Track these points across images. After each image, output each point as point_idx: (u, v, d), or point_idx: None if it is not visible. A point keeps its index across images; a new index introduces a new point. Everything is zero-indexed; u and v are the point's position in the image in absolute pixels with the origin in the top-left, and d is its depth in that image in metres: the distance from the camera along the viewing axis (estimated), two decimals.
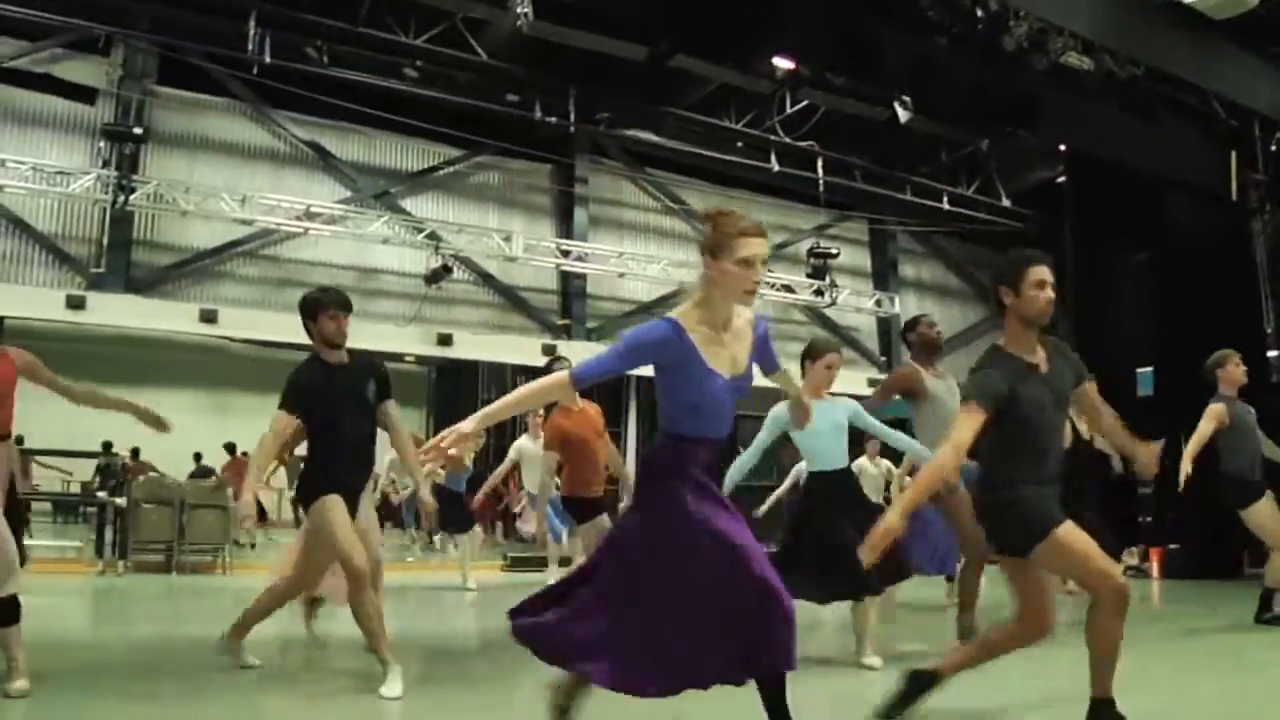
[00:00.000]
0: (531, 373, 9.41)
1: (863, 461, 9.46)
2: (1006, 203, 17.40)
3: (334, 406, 4.68)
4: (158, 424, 4.76)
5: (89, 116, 13.41)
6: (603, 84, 13.96)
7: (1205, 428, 6.60)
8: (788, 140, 15.39)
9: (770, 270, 16.56)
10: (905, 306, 18.17)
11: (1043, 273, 3.66)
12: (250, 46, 12.06)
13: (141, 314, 13.29)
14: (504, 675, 5.05)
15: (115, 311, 13.10)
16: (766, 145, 15.51)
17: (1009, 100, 11.10)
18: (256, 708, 4.33)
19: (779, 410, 5.14)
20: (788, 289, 17.06)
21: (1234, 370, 6.76)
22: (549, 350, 14.29)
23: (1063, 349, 3.84)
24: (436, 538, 13.21)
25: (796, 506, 5.95)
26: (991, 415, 3.52)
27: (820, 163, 16.08)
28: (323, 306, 4.74)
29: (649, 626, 3.05)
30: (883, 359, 18.67)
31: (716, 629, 3.01)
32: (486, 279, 16.20)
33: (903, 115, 12.76)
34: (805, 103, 14.70)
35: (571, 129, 14.69)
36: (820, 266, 16.95)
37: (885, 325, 18.73)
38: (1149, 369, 13.36)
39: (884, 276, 19.19)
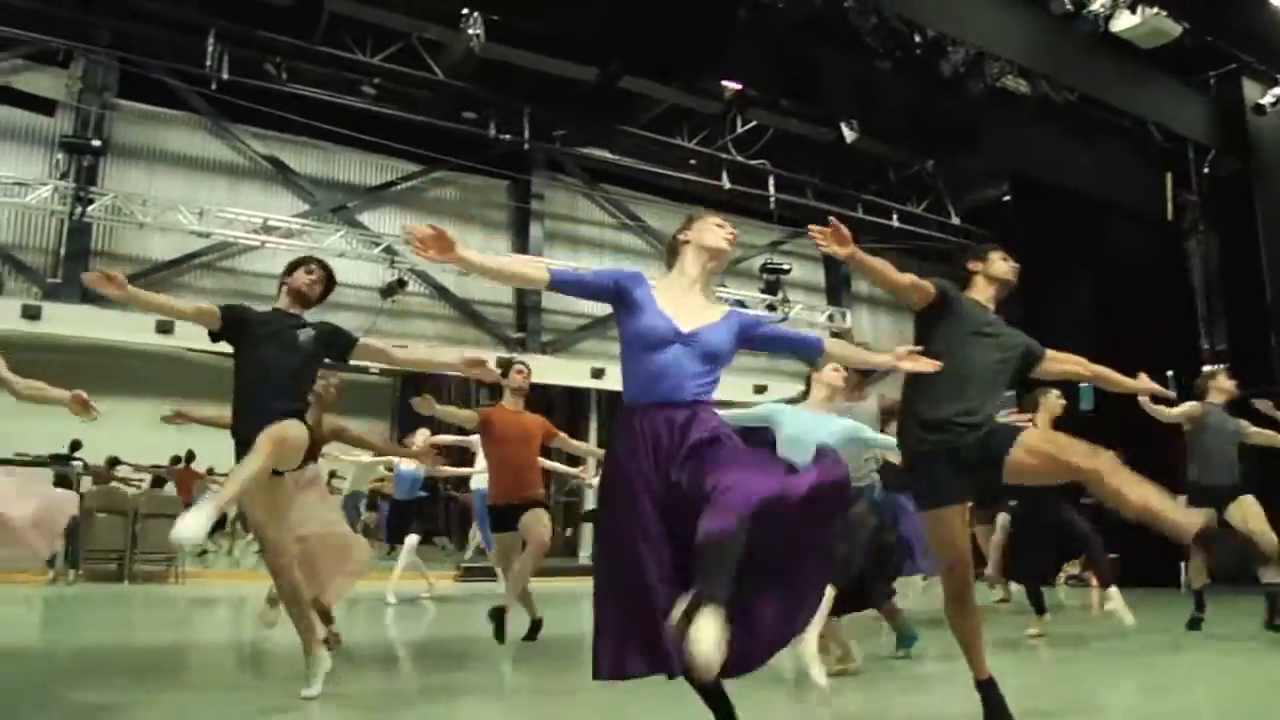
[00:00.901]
0: (491, 388, 9.60)
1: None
2: (956, 221, 17.80)
3: (261, 340, 4.52)
4: (84, 409, 4.66)
5: (48, 128, 13.46)
6: (557, 103, 14.20)
7: (1171, 412, 6.93)
8: (740, 159, 15.69)
9: (723, 285, 16.88)
10: (858, 321, 18.56)
11: (1004, 253, 4.17)
12: (209, 62, 12.20)
13: (98, 324, 13.31)
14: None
15: (72, 322, 13.12)
16: (719, 163, 15.81)
17: (948, 123, 11.46)
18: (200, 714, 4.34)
19: (774, 408, 5.26)
20: (740, 304, 17.35)
21: (1223, 382, 7.18)
22: (503, 364, 14.47)
23: (1015, 330, 4.11)
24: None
25: None
26: (935, 303, 3.86)
27: (772, 181, 16.40)
28: (303, 261, 4.77)
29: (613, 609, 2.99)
30: None
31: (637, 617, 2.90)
32: (442, 292, 16.37)
33: (849, 135, 13.10)
34: (755, 122, 15.02)
35: (526, 146, 14.93)
36: (773, 282, 17.27)
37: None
38: (1089, 384, 13.78)
39: (837, 292, 19.51)
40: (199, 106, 14.36)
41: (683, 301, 3.25)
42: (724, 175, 15.94)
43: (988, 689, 3.79)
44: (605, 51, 11.87)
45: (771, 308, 17.39)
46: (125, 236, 14.03)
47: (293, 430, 4.33)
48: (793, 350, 3.58)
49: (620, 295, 3.22)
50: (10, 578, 9.98)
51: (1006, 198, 15.70)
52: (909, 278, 3.88)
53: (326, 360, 4.78)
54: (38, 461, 14.31)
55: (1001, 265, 4.10)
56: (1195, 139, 13.50)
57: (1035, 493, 6.73)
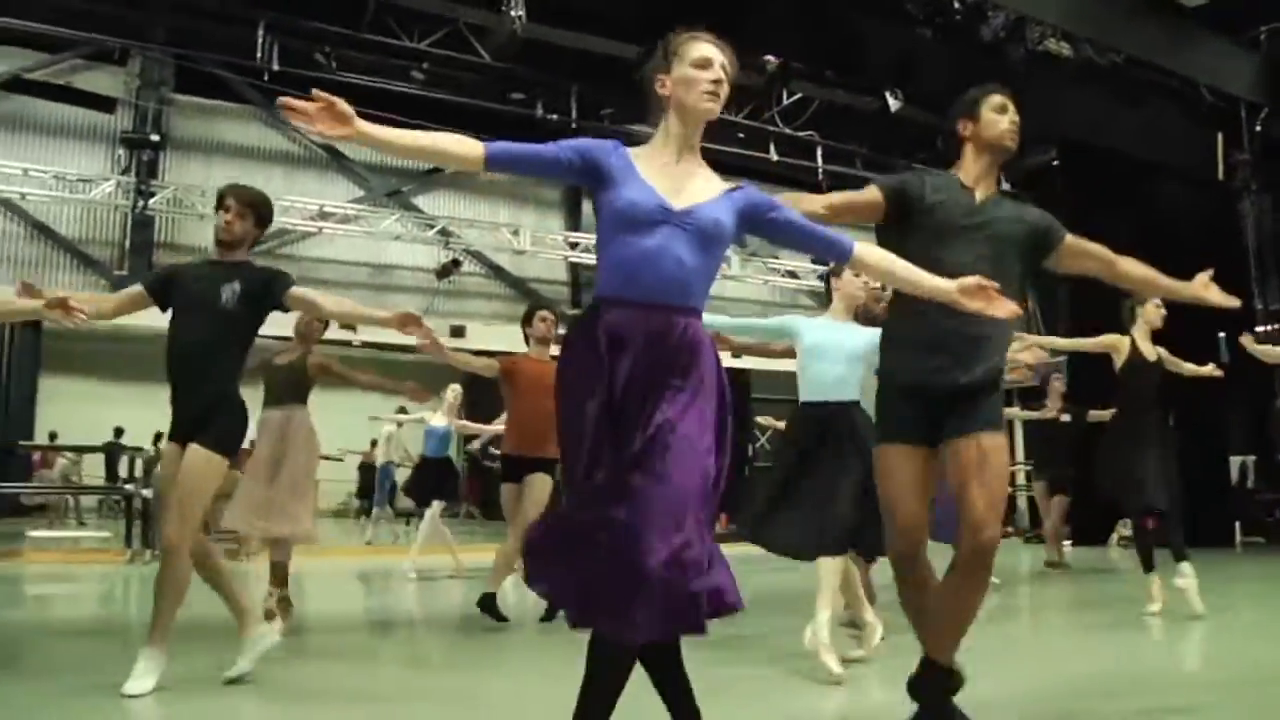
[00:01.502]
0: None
1: None
2: (1006, 186, 17.65)
3: (182, 299, 4.17)
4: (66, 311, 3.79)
5: (108, 125, 13.94)
6: (602, 81, 14.34)
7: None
8: (787, 130, 15.74)
9: (776, 257, 16.97)
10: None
11: (1002, 100, 3.22)
12: (260, 54, 12.55)
13: (164, 314, 13.71)
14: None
15: (140, 312, 13.53)
16: (766, 135, 15.87)
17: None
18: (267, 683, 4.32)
19: (792, 318, 4.73)
20: (792, 274, 17.46)
21: None
22: (559, 340, 14.76)
23: (1025, 204, 3.30)
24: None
25: (780, 445, 5.11)
26: (888, 208, 3.12)
27: (819, 151, 16.43)
28: (222, 197, 4.28)
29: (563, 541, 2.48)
30: None
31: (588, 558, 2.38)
32: (498, 271, 16.66)
33: (893, 105, 13.04)
34: (800, 94, 15.05)
35: (574, 125, 15.10)
36: None
37: None
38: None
39: None
40: (253, 98, 14.73)
41: (671, 172, 2.61)
42: (771, 147, 16.01)
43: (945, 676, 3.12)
44: (643, 28, 11.91)
45: (824, 278, 17.43)
46: (187, 227, 14.46)
47: (200, 485, 3.94)
48: (813, 248, 2.79)
49: (592, 169, 2.59)
50: (91, 558, 10.43)
51: (1055, 162, 15.54)
52: (820, 201, 3.13)
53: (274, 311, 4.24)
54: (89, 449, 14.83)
55: (997, 124, 3.17)
56: (1246, 97, 13.28)
57: (1140, 436, 6.39)
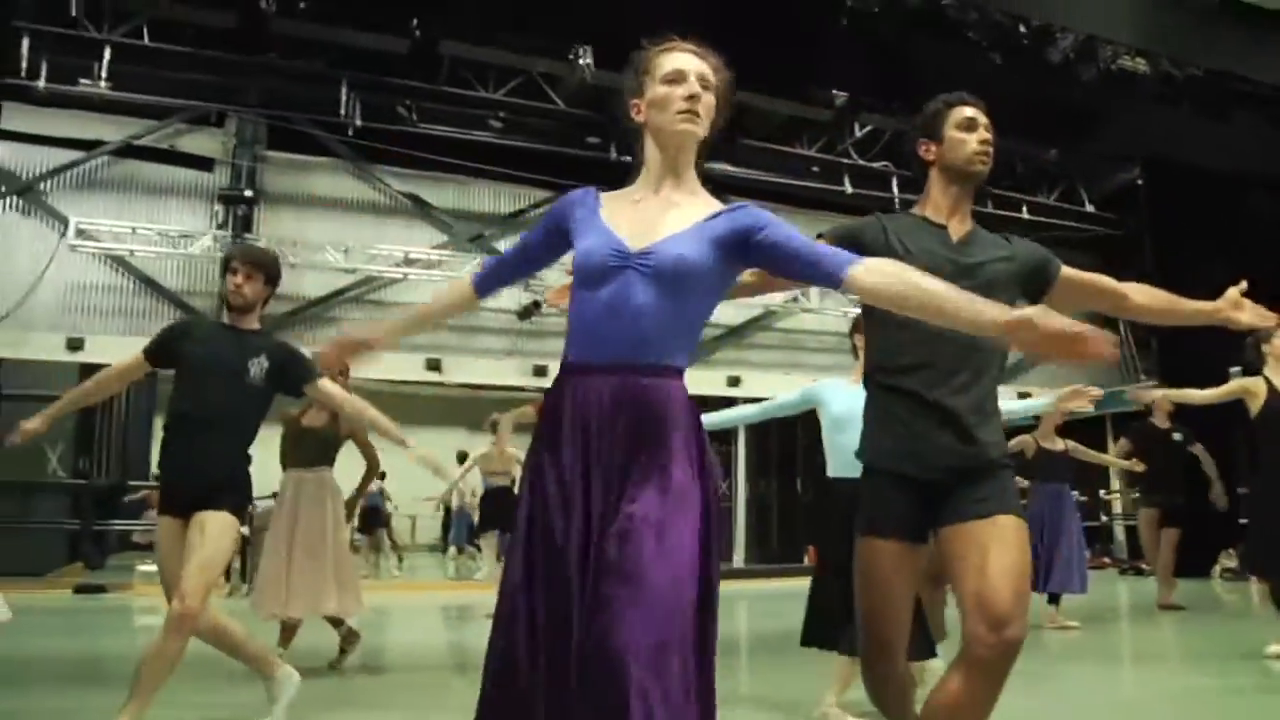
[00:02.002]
0: None
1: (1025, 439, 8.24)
2: (1090, 208, 17.37)
3: (196, 363, 3.94)
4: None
5: (207, 183, 14.63)
6: None
7: None
8: (860, 162, 15.75)
9: None
10: None
11: (969, 112, 2.79)
12: (344, 111, 13.16)
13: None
14: None
15: None
16: (840, 168, 15.87)
17: (1065, 110, 11.29)
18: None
19: (814, 388, 4.37)
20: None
21: None
22: None
23: (1006, 236, 2.80)
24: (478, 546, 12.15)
25: (816, 525, 4.92)
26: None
27: (895, 182, 16.36)
28: (228, 260, 4.11)
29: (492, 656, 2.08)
30: None
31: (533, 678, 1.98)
32: None
33: None
34: (872, 126, 15.07)
35: None
36: None
37: None
38: (1238, 369, 13.24)
39: None
40: (341, 152, 15.28)
41: (646, 208, 2.27)
42: (846, 180, 16.01)
43: None
44: None
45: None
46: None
47: (222, 554, 3.81)
48: (801, 273, 2.18)
49: (562, 229, 2.35)
50: None
51: (1139, 181, 15.26)
52: None
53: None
54: None
55: (964, 144, 2.74)
56: None
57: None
